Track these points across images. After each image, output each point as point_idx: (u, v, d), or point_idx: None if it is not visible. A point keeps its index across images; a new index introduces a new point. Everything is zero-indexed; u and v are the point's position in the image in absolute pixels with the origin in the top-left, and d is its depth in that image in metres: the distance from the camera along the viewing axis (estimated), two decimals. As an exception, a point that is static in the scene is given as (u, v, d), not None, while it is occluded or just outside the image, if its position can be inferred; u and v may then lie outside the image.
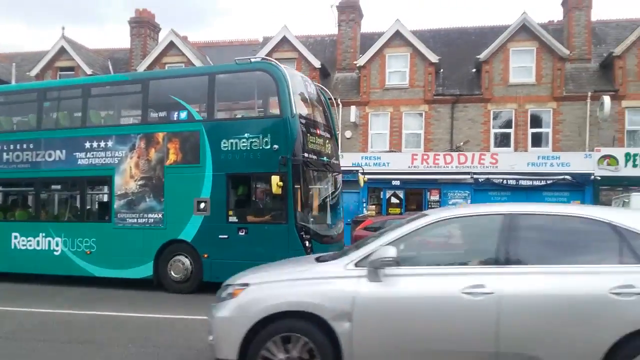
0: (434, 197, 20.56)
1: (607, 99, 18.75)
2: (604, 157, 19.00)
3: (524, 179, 19.53)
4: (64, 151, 11.16)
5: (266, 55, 18.34)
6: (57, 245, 11.02)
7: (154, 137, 10.63)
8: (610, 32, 22.33)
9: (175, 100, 10.71)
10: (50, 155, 11.19)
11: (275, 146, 9.68)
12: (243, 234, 9.93)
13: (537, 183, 19.42)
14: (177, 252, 10.27)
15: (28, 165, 11.33)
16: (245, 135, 9.97)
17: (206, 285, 9.74)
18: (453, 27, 24.88)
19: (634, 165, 18.82)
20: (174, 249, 10.33)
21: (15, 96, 12.13)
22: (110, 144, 10.86)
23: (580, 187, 19.25)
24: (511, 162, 19.72)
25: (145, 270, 10.39)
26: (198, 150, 10.27)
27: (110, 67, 25.83)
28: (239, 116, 11.68)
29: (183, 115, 10.72)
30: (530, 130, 20.41)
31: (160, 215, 10.46)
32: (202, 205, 10.18)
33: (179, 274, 10.20)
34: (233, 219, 10.05)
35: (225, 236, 9.96)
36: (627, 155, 18.98)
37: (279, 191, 9.33)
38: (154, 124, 10.90)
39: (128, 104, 11.91)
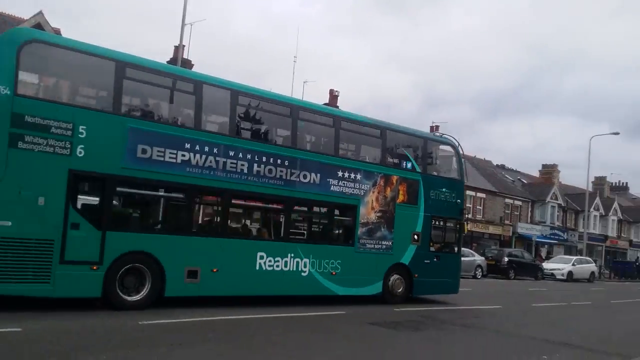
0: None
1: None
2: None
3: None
4: (318, 175, 11.67)
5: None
6: (305, 266, 11.43)
7: (390, 178, 12.98)
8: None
9: (404, 153, 13.78)
10: (305, 177, 11.48)
11: (459, 200, 14.58)
12: (436, 260, 13.74)
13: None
14: (395, 273, 12.95)
15: (281, 183, 11.08)
16: (443, 189, 14.05)
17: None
18: None
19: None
20: (393, 269, 12.92)
21: (275, 107, 11.63)
22: (358, 177, 12.35)
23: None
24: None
25: (376, 288, 12.60)
26: (417, 195, 13.42)
27: None
28: (437, 174, 14.62)
29: (409, 165, 13.71)
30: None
31: (390, 243, 12.93)
32: (416, 237, 13.40)
33: (400, 289, 12.98)
34: (432, 248, 13.77)
35: (428, 261, 13.52)
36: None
37: (456, 231, 14.52)
38: (391, 167, 13.26)
39: (369, 143, 13.72)
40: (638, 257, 51.15)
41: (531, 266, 30.85)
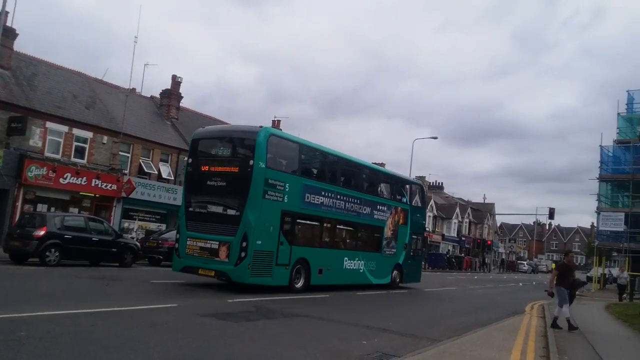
0: None
1: None
2: None
3: None
4: (369, 208, 18.86)
5: None
6: (360, 265, 18.52)
7: (397, 209, 20.80)
8: None
9: (402, 191, 22.12)
10: (364, 210, 18.59)
11: (423, 221, 23.93)
12: (413, 260, 22.00)
13: None
14: (395, 269, 20.66)
15: (355, 214, 18.14)
16: (417, 214, 22.69)
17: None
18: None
19: None
20: (395, 267, 20.63)
21: (356, 167, 19.23)
22: (384, 209, 19.90)
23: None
24: None
25: (388, 279, 20.15)
26: (407, 219, 21.34)
27: None
28: (414, 204, 23.27)
29: (404, 200, 21.83)
30: None
31: (395, 250, 20.51)
32: (405, 246, 21.21)
33: (398, 280, 20.88)
34: (411, 253, 21.75)
35: (410, 261, 21.58)
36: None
37: (422, 241, 23.57)
38: (398, 202, 21.16)
39: (387, 185, 21.54)
40: (449, 250, 57.34)
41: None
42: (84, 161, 25.03)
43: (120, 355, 6.20)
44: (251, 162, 13.73)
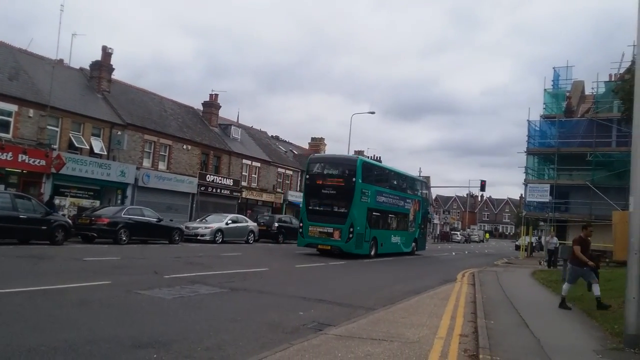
0: None
1: None
2: None
3: None
4: (403, 201, 28.04)
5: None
6: (398, 240, 27.51)
7: (416, 200, 29.98)
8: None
9: (417, 187, 31.77)
10: (401, 202, 27.75)
11: (428, 208, 39.96)
12: (422, 235, 32.08)
13: None
14: (413, 242, 29.91)
15: (397, 205, 27.25)
16: (424, 203, 33.72)
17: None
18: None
19: None
20: (413, 240, 29.93)
21: (396, 176, 28.81)
22: (410, 201, 28.96)
23: None
24: None
25: (411, 248, 29.52)
26: (420, 206, 30.73)
27: None
28: (423, 196, 33.20)
29: (419, 193, 31.28)
30: None
31: (414, 229, 29.78)
32: (419, 225, 30.86)
33: (415, 249, 30.22)
34: (421, 230, 31.80)
35: (420, 236, 31.47)
36: None
37: (426, 221, 35.92)
38: (416, 195, 30.42)
39: (412, 184, 31.03)
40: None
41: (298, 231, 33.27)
42: (9, 136, 23.72)
43: (48, 334, 6.04)
44: (354, 179, 22.58)
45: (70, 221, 19.99)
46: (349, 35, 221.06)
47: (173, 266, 13.99)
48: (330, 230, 22.19)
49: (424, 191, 34.05)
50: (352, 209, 22.17)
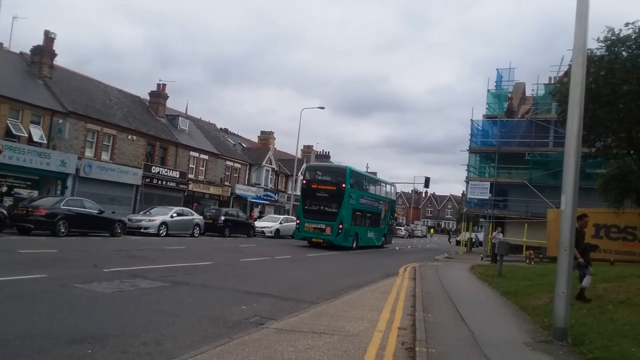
0: None
1: None
2: None
3: None
4: (376, 202, 32.91)
5: None
6: (372, 235, 32.17)
7: (386, 201, 35.39)
8: None
9: (387, 190, 36.92)
10: (374, 203, 32.50)
11: (394, 207, 42.79)
12: (388, 231, 36.57)
13: None
14: (382, 236, 35.11)
15: (371, 205, 31.76)
16: (392, 204, 38.73)
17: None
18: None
19: None
20: (383, 235, 34.94)
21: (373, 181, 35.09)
22: (382, 202, 34.18)
23: None
24: None
25: (381, 242, 34.47)
26: (389, 207, 36.14)
27: None
28: (391, 198, 38.95)
29: (389, 195, 36.89)
30: None
31: (384, 226, 35.12)
32: (387, 222, 35.82)
33: (384, 242, 35.33)
34: (387, 226, 36.43)
35: (387, 232, 36.50)
36: None
37: (392, 219, 40.44)
38: (387, 197, 35.94)
39: (382, 187, 35.70)
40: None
41: (245, 224, 33.06)
42: (-62, 120, 22.47)
43: (-22, 330, 5.82)
44: (343, 185, 27.38)
45: (5, 212, 19.17)
46: (302, 28, 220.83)
47: (114, 259, 13.68)
48: (323, 226, 27.03)
49: (393, 193, 39.68)
50: (341, 209, 27.07)
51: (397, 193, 45.70)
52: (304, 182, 29.09)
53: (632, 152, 19.31)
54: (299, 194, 57.33)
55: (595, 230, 24.89)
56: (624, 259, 22.38)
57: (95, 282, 9.73)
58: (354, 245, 28.39)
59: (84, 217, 21.15)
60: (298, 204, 30.23)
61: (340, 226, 26.73)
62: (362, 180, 31.46)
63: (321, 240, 26.92)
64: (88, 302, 7.97)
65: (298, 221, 28.23)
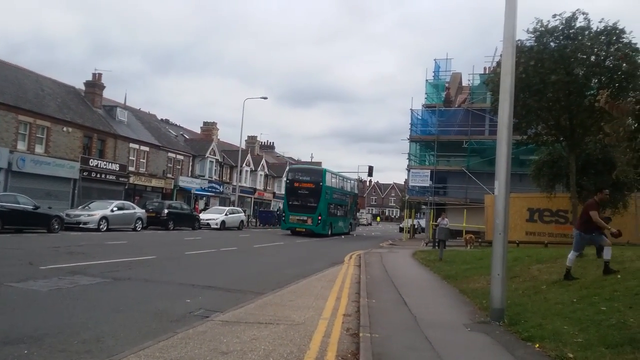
0: None
1: None
2: None
3: None
4: (343, 196, 38.67)
5: None
6: (343, 224, 39.24)
7: (352, 195, 42.23)
8: None
9: (353, 184, 44.36)
10: (341, 196, 38.24)
11: (357, 200, 48.32)
12: (354, 220, 45.24)
13: None
14: (349, 225, 42.11)
15: (339, 198, 37.82)
16: (356, 197, 45.46)
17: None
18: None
19: None
20: (350, 224, 42.46)
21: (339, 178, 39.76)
22: (348, 196, 40.51)
23: None
24: None
25: (347, 230, 40.78)
26: (354, 199, 43.40)
27: None
28: (356, 192, 46.34)
29: (354, 190, 44.34)
30: None
31: (349, 215, 41.41)
32: (353, 213, 44.09)
33: (350, 231, 41.72)
34: (352, 217, 43.95)
35: (352, 221, 43.82)
36: None
37: (356, 210, 48.05)
38: (352, 191, 42.44)
39: (347, 183, 41.81)
40: (279, 207, 59.09)
41: (189, 217, 32.57)
42: None
43: None
44: (321, 183, 33.18)
45: None
46: (244, 17, 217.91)
47: (51, 256, 13.19)
48: (305, 218, 32.82)
49: (356, 187, 46.49)
50: (320, 203, 32.95)
51: (359, 187, 55.08)
52: (288, 181, 35.27)
53: (561, 139, 20.29)
54: (244, 184, 57.91)
55: (530, 214, 26.05)
56: (557, 240, 23.54)
57: (31, 280, 9.38)
58: (329, 233, 34.22)
59: (18, 213, 20.25)
60: (282, 201, 38.26)
61: (320, 217, 32.64)
62: (334, 179, 37.05)
63: (304, 230, 32.67)
64: (24, 302, 7.69)
65: (284, 214, 34.45)
